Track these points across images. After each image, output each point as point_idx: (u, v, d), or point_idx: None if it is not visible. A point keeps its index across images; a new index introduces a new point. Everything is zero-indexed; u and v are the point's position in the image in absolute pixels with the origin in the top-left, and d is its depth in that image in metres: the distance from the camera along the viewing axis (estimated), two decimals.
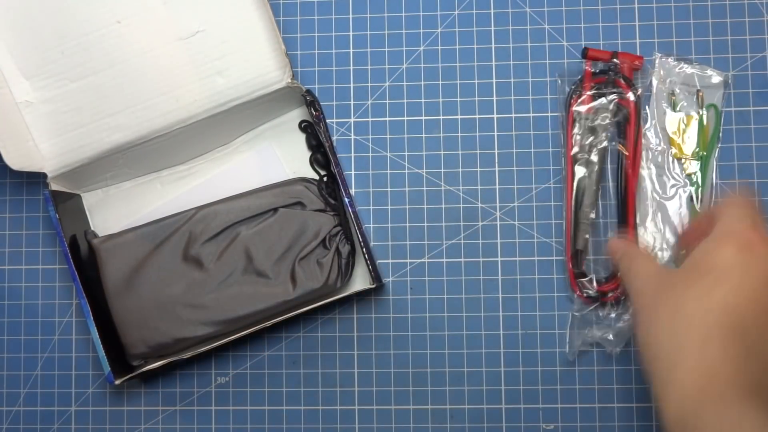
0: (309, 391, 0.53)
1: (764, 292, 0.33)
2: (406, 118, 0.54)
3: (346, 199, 0.50)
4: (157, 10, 0.50)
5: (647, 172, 0.52)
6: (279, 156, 0.54)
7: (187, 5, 0.50)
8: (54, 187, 0.52)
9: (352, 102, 0.54)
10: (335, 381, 0.53)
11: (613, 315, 0.50)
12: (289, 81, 0.50)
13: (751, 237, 0.34)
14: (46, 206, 0.51)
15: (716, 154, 0.52)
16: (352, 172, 0.54)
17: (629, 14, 0.53)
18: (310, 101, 0.51)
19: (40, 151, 0.51)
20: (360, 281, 0.52)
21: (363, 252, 0.50)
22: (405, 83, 0.54)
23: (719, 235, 0.35)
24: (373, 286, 0.50)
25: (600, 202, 0.52)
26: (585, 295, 0.51)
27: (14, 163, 0.51)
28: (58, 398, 0.54)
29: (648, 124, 0.52)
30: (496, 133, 0.53)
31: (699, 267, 0.35)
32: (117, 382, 0.49)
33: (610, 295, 0.50)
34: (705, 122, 0.51)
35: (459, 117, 0.54)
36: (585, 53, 0.51)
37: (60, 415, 0.54)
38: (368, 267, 0.50)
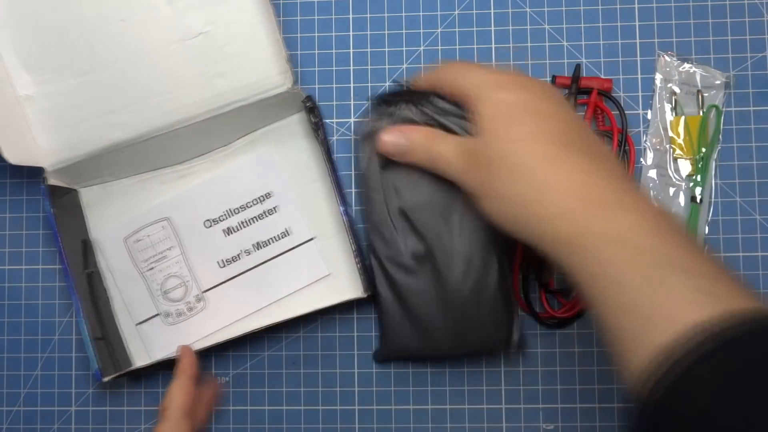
0: (309, 391, 0.53)
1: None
2: None
3: (342, 208, 0.50)
4: (161, 10, 0.50)
5: (648, 172, 0.52)
6: (277, 159, 0.54)
7: (191, 7, 0.50)
8: (51, 181, 0.52)
9: (352, 102, 0.54)
10: (335, 381, 0.53)
11: None
12: (290, 86, 0.50)
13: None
14: (42, 200, 0.50)
15: (716, 154, 0.52)
16: (352, 172, 0.54)
17: (629, 14, 0.53)
18: (310, 107, 0.51)
19: (39, 145, 0.51)
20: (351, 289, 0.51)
21: (356, 261, 0.49)
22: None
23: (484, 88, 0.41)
24: (365, 296, 0.49)
25: None
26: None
27: (12, 156, 0.50)
28: (58, 398, 0.54)
29: (649, 124, 0.52)
30: None
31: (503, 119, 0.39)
32: (105, 379, 0.49)
33: None
34: (706, 122, 0.51)
35: None
36: (553, 81, 0.52)
37: (60, 415, 0.54)
38: (360, 276, 0.49)
